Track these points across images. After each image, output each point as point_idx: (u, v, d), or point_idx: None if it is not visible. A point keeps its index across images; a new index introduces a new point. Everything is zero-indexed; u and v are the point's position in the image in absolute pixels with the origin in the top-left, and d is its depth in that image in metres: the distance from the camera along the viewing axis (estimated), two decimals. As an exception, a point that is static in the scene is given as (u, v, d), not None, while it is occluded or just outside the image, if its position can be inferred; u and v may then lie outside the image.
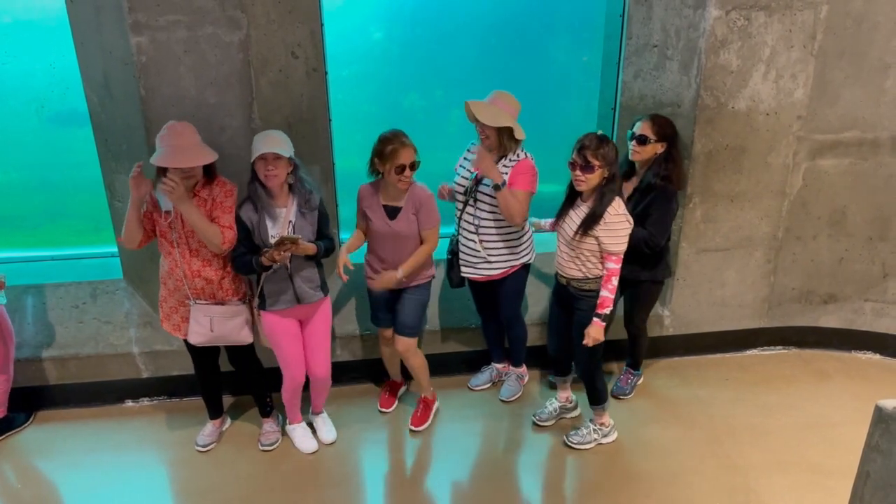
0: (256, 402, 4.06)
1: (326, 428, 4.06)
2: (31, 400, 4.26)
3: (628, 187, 3.87)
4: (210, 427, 4.02)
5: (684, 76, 4.15)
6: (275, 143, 3.32)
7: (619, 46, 4.34)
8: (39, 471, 3.84)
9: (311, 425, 4.09)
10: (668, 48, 4.18)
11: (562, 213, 3.56)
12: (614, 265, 3.38)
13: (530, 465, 3.86)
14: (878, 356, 4.79)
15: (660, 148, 3.77)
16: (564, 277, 3.59)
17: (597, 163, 3.26)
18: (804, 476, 3.68)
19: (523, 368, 4.41)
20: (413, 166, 3.52)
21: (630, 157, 3.82)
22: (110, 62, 3.75)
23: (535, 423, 4.08)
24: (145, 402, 4.34)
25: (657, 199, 3.76)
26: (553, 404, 4.10)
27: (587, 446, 3.91)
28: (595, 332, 3.45)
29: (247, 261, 3.45)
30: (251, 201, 3.43)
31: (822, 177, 4.43)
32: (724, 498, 3.55)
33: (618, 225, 3.33)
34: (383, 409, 4.23)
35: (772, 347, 4.90)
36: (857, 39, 4.11)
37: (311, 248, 3.45)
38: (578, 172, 3.31)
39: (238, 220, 3.42)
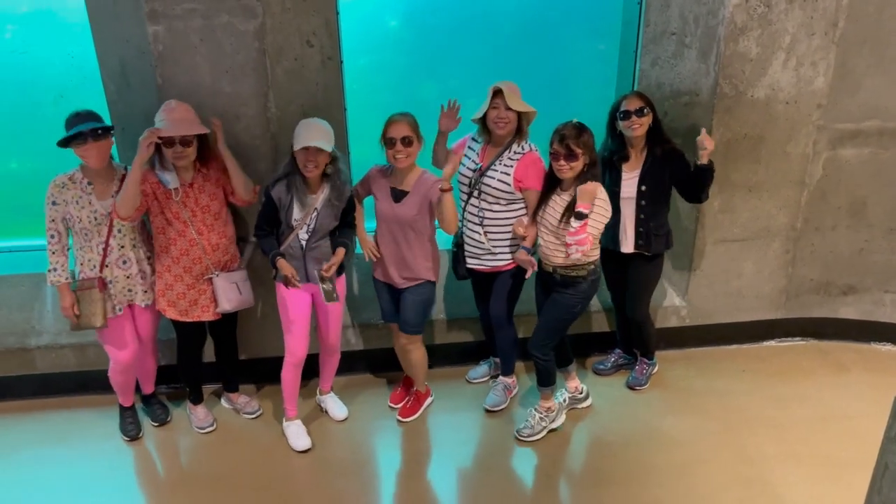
0: (227, 378, 4.18)
1: (337, 406, 4.13)
2: (51, 385, 4.32)
3: (630, 168, 3.88)
4: (202, 410, 4.08)
5: (702, 64, 4.10)
6: (319, 135, 3.39)
7: (637, 34, 4.30)
8: (53, 456, 3.91)
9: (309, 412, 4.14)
10: (686, 36, 4.13)
11: (540, 204, 3.60)
12: (590, 243, 3.39)
13: (539, 455, 3.85)
14: (897, 348, 4.75)
15: (651, 118, 3.80)
16: (550, 265, 3.63)
17: (579, 150, 3.37)
18: (820, 468, 3.66)
19: (513, 379, 4.25)
20: (405, 142, 3.47)
21: (633, 133, 3.79)
22: (127, 51, 3.77)
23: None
24: (162, 388, 4.37)
25: (678, 159, 3.82)
26: (563, 395, 4.09)
27: (539, 436, 3.91)
28: (585, 196, 3.34)
29: (266, 246, 3.61)
30: (285, 182, 3.50)
31: (842, 167, 4.38)
32: (738, 489, 3.53)
33: (600, 208, 3.41)
34: (393, 405, 4.22)
35: (789, 339, 4.86)
36: (880, 27, 4.04)
37: (338, 261, 3.63)
38: (563, 162, 3.40)
39: (267, 196, 3.52)
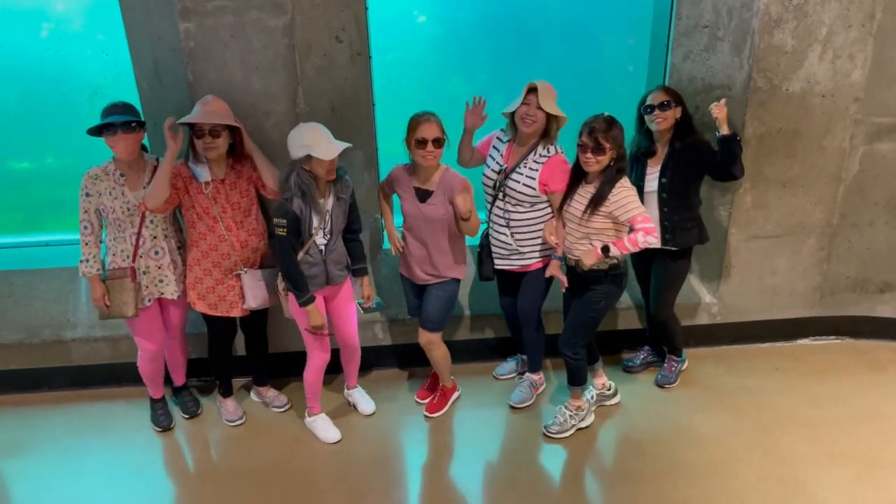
0: (257, 372, 4.22)
1: (365, 400, 4.15)
2: (85, 377, 4.41)
3: (655, 162, 3.86)
4: (231, 403, 4.13)
5: (736, 57, 4.03)
6: (333, 139, 3.38)
7: (668, 27, 4.24)
8: (86, 446, 3.98)
9: (340, 407, 4.16)
10: (719, 28, 4.07)
11: (566, 197, 3.58)
12: (644, 223, 3.39)
13: (566, 453, 3.83)
14: (936, 348, 4.63)
15: (678, 112, 3.76)
16: (573, 258, 3.60)
17: (608, 144, 3.34)
18: (855, 468, 3.58)
19: (539, 376, 4.24)
20: (437, 143, 3.48)
21: (657, 127, 3.77)
22: (160, 48, 3.82)
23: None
24: (193, 381, 4.43)
25: (700, 150, 3.79)
26: (591, 392, 4.06)
27: (567, 433, 3.89)
28: (588, 257, 3.44)
29: (300, 286, 3.52)
30: (300, 196, 3.41)
31: (879, 161, 4.28)
32: (770, 489, 3.48)
33: (623, 193, 3.40)
34: (420, 401, 4.24)
35: (824, 337, 4.77)
36: (920, 18, 3.94)
37: (370, 290, 3.89)
38: (590, 155, 3.38)
39: (291, 215, 3.40)
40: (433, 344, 3.92)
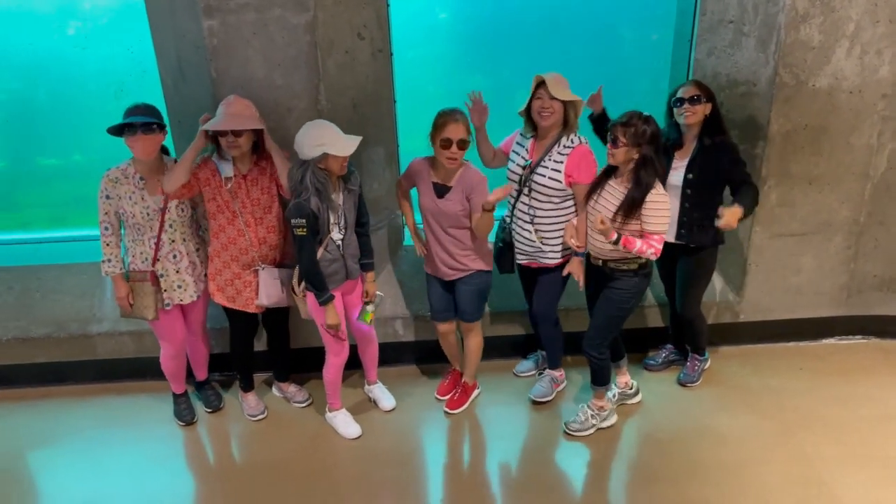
0: (278, 367, 4.25)
1: (385, 396, 4.17)
2: (110, 371, 4.47)
3: (682, 156, 3.81)
4: (252, 398, 4.16)
5: (761, 53, 3.98)
6: (345, 136, 3.38)
7: (693, 23, 4.20)
8: (110, 439, 4.04)
9: (357, 404, 4.17)
10: (744, 24, 4.02)
11: (593, 190, 3.53)
12: (657, 243, 3.39)
13: (587, 451, 3.81)
14: (966, 349, 4.54)
15: (708, 108, 3.71)
16: (599, 259, 3.57)
17: (622, 139, 3.29)
18: (881, 470, 3.53)
19: (560, 372, 4.23)
20: (461, 144, 3.47)
21: (685, 121, 3.73)
22: (183, 45, 3.85)
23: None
24: (216, 376, 4.48)
25: (726, 153, 3.73)
26: (612, 390, 4.03)
27: (587, 432, 3.87)
28: (605, 235, 3.38)
29: (320, 286, 3.53)
30: (317, 195, 3.40)
31: (908, 158, 4.21)
32: (794, 490, 3.43)
33: (658, 206, 3.35)
34: (440, 397, 4.24)
35: (850, 337, 4.70)
36: (951, 12, 3.86)
37: (374, 286, 3.85)
38: (609, 146, 3.37)
39: (310, 214, 3.39)
40: (472, 332, 3.95)
